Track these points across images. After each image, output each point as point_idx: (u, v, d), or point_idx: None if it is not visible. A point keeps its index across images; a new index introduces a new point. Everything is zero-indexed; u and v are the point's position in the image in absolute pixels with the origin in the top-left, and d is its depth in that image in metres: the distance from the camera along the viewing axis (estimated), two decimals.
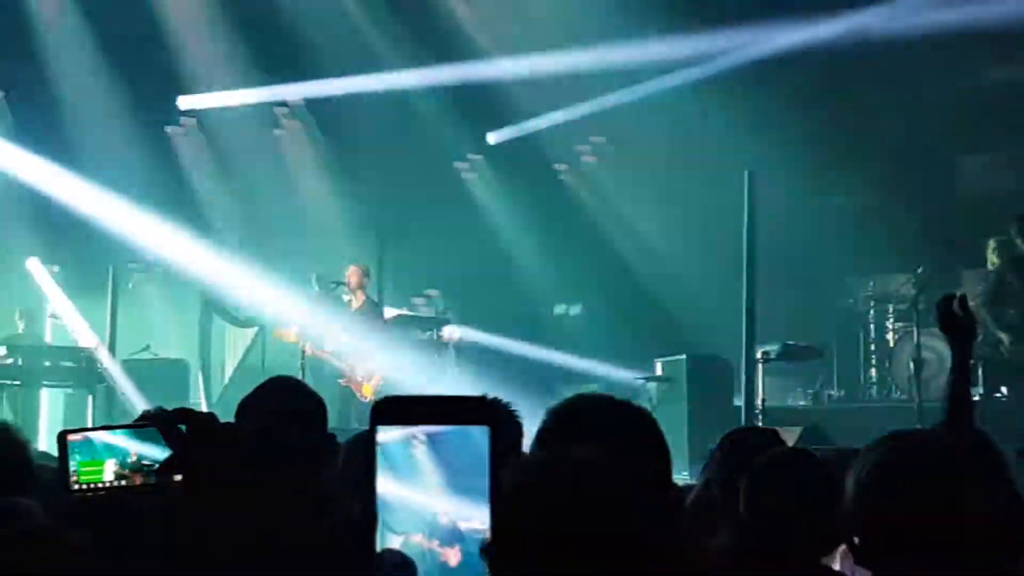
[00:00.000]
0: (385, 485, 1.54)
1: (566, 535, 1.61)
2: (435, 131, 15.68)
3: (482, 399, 1.58)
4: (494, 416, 1.55)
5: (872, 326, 13.49)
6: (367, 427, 1.55)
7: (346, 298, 12.42)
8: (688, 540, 2.49)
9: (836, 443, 8.52)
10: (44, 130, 15.02)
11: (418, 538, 1.53)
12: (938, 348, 11.79)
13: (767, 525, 3.27)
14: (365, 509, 1.53)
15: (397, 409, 1.56)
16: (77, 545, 2.37)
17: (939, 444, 2.41)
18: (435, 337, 13.71)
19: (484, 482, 1.53)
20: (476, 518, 1.53)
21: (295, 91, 15.93)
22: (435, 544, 1.53)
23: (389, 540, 1.54)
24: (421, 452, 1.54)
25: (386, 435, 1.56)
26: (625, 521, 1.69)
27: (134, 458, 2.61)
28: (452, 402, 1.57)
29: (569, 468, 1.69)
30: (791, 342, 11.19)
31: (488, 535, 1.53)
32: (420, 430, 1.56)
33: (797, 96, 14.24)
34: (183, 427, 2.35)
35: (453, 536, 1.53)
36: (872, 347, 13.45)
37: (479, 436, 1.54)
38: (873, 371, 13.41)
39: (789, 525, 3.24)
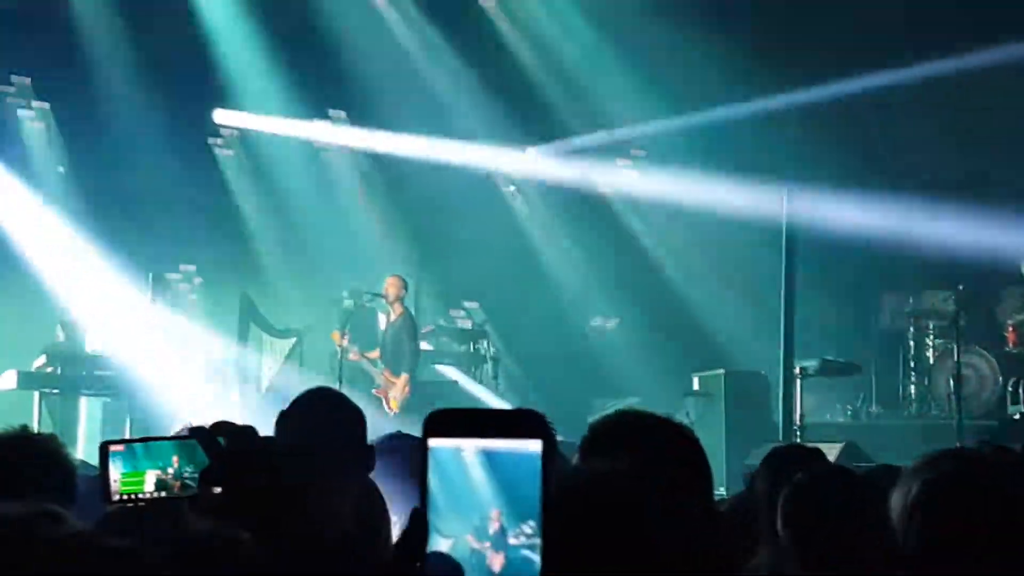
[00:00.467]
0: (435, 488, 1.56)
1: (612, 548, 1.61)
2: (475, 143, 15.71)
3: (536, 414, 1.59)
4: (548, 430, 1.56)
5: (912, 343, 13.40)
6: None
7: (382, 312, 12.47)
8: (727, 558, 2.48)
9: (875, 460, 8.46)
10: (87, 139, 15.16)
11: (468, 539, 1.55)
12: (978, 365, 11.72)
13: (805, 544, 3.24)
14: (417, 519, 1.54)
15: (450, 421, 1.57)
16: (117, 550, 2.38)
17: (994, 460, 2.41)
18: (472, 349, 13.73)
19: (533, 494, 1.54)
20: (523, 528, 1.54)
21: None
22: (485, 546, 1.54)
23: (437, 543, 1.56)
24: (471, 457, 1.56)
25: (437, 442, 1.58)
26: (667, 536, 1.69)
27: (175, 469, 2.62)
28: (506, 416, 1.58)
29: (615, 481, 1.70)
30: (829, 358, 11.14)
31: (533, 546, 1.54)
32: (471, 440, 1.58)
33: (836, 113, 14.17)
34: (222, 439, 2.36)
35: (501, 543, 1.54)
36: (911, 364, 13.35)
37: (531, 449, 1.55)
38: (912, 388, 13.31)
39: (827, 544, 3.22)
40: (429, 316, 14.19)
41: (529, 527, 1.54)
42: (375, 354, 12.17)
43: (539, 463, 1.54)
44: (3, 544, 1.99)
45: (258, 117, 15.80)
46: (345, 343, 12.00)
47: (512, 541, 1.54)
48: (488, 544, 1.54)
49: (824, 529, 3.24)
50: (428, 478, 1.55)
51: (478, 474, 1.55)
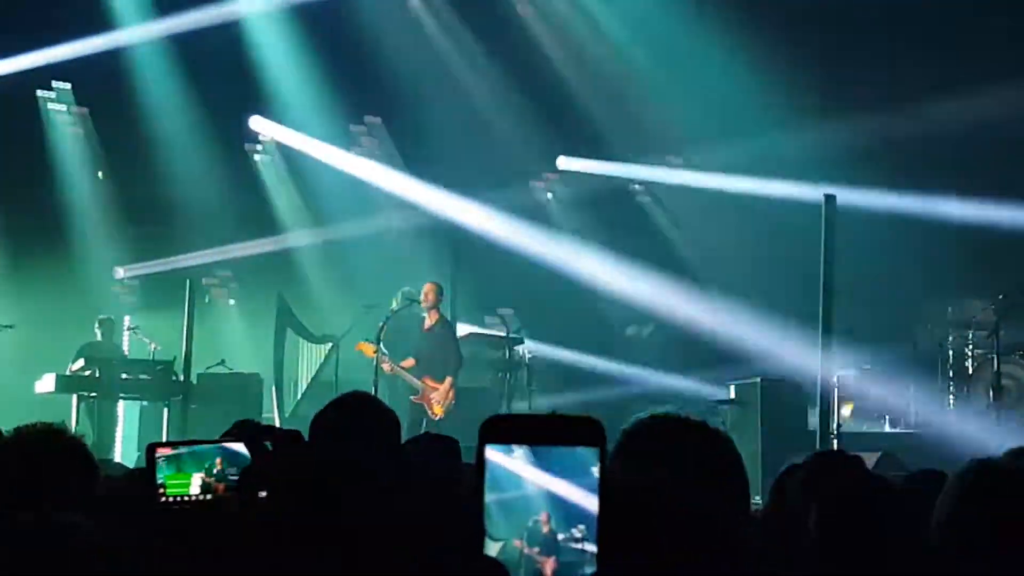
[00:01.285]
0: (485, 490, 1.56)
1: (665, 554, 1.61)
2: (512, 149, 15.71)
3: (593, 420, 1.59)
4: (603, 437, 1.56)
5: (951, 352, 13.28)
6: None
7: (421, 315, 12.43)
8: (760, 565, 2.46)
9: (912, 470, 8.39)
10: (125, 145, 15.28)
11: (517, 543, 1.55)
12: (1018, 375, 11.61)
13: (836, 552, 3.21)
14: (474, 525, 1.55)
15: (505, 428, 1.57)
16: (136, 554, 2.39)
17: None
18: (507, 356, 13.71)
19: (587, 499, 1.55)
20: (573, 532, 1.55)
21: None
22: (534, 551, 1.54)
23: (488, 546, 1.56)
24: (523, 461, 1.56)
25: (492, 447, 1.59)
26: (711, 542, 1.69)
27: (219, 472, 2.64)
28: (562, 422, 1.59)
29: (668, 487, 1.70)
30: (867, 366, 11.06)
31: (584, 550, 1.55)
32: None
33: (875, 118, 14.10)
34: (268, 444, 2.37)
35: (551, 546, 1.54)
36: (951, 373, 13.24)
37: (586, 456, 1.56)
38: (951, 398, 13.20)
39: (859, 552, 3.19)
40: (464, 321, 14.18)
41: (579, 531, 1.54)
42: (409, 363, 12.13)
43: (590, 465, 1.54)
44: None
45: (290, 131, 15.86)
46: (374, 353, 11.97)
47: (563, 544, 1.54)
48: (537, 549, 1.54)
49: (853, 536, 3.21)
50: (484, 494, 1.56)
51: (529, 475, 1.55)
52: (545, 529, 1.54)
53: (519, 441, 1.56)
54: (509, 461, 1.56)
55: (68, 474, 3.25)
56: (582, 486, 1.55)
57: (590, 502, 1.55)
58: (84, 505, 3.17)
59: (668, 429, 2.38)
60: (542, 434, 1.56)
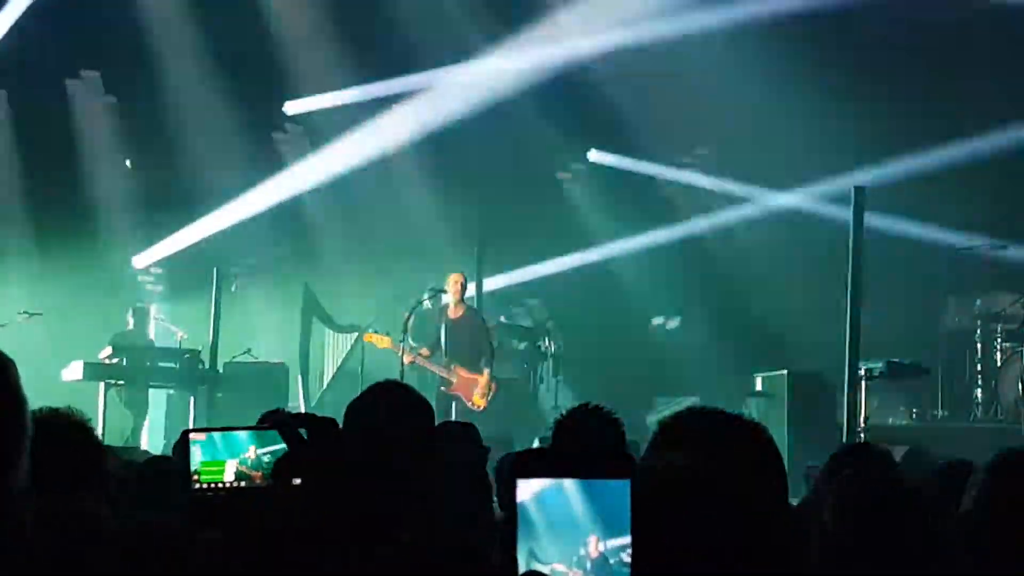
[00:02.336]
0: (534, 516, 1.61)
1: (695, 545, 1.61)
2: (538, 140, 15.67)
3: (626, 455, 1.65)
4: (634, 470, 1.61)
5: (979, 345, 13.19)
6: None
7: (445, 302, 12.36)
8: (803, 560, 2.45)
9: (941, 463, 8.33)
10: (153, 133, 15.32)
11: (561, 567, 1.59)
12: None
13: (852, 543, 3.20)
14: (507, 557, 1.58)
15: (538, 463, 1.62)
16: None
17: None
18: (533, 347, 13.70)
19: (624, 528, 1.60)
20: (622, 556, 1.60)
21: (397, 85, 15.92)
22: (579, 573, 1.58)
23: (535, 567, 1.61)
24: (570, 487, 1.62)
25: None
26: (743, 535, 1.67)
27: (254, 459, 2.64)
28: (594, 457, 1.64)
29: (697, 477, 1.68)
30: (895, 360, 11.00)
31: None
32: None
33: (906, 110, 14.02)
34: (303, 431, 2.37)
35: (603, 569, 1.59)
36: (978, 367, 13.16)
37: (620, 488, 1.61)
38: (979, 392, 13.12)
39: (872, 546, 3.17)
40: (490, 314, 14.16)
41: (627, 554, 1.59)
42: (426, 352, 11.99)
43: (627, 501, 1.59)
44: None
45: (322, 96, 15.78)
46: (386, 345, 11.89)
47: (615, 566, 1.59)
48: (580, 573, 1.58)
49: (868, 532, 3.20)
50: (518, 511, 1.60)
51: (575, 500, 1.60)
52: (594, 553, 1.59)
53: (551, 475, 1.61)
54: (559, 487, 1.61)
55: (74, 457, 3.22)
56: (620, 517, 1.60)
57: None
58: (95, 488, 3.16)
59: (704, 421, 2.37)
60: (574, 469, 1.61)
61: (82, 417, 3.34)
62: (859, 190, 9.81)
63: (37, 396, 2.32)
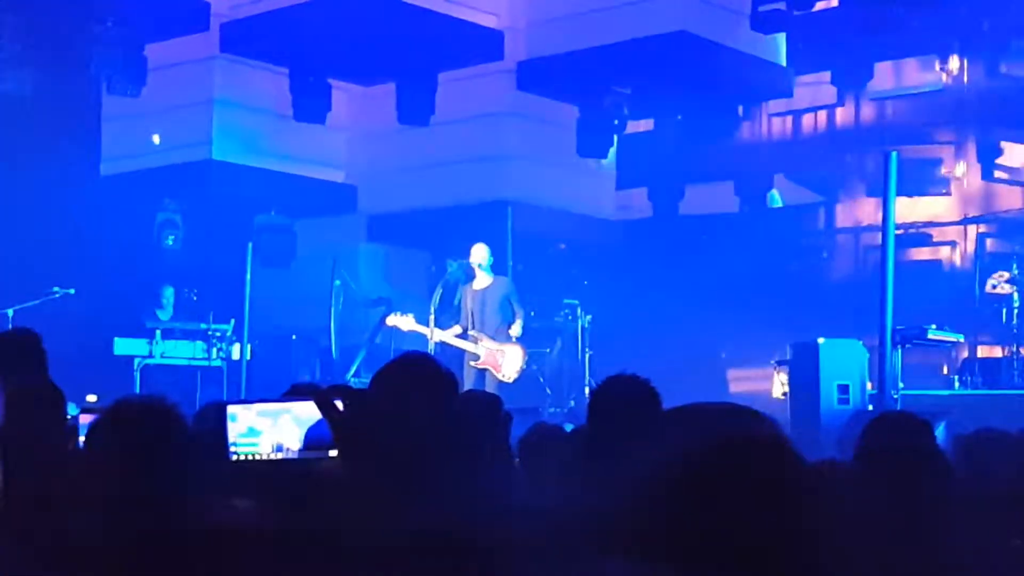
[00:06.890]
0: None
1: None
2: None
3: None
4: None
5: (1015, 312, 13.02)
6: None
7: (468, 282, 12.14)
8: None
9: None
10: None
11: None
12: None
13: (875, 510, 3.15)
14: None
15: None
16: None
17: None
18: (569, 317, 13.66)
19: None
20: None
21: None
22: None
23: None
24: None
25: None
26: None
27: (290, 431, 2.62)
28: None
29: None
30: (929, 326, 10.90)
31: None
32: None
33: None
34: (339, 403, 2.34)
35: None
36: (1014, 330, 12.99)
37: None
38: (1015, 359, 12.95)
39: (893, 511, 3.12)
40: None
41: None
42: (455, 329, 11.75)
43: None
44: None
45: None
46: (408, 325, 11.63)
47: None
48: None
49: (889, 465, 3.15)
50: None
51: None
52: None
53: None
54: None
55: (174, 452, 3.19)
56: None
57: None
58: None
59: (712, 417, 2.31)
60: None
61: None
62: (895, 154, 9.71)
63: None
